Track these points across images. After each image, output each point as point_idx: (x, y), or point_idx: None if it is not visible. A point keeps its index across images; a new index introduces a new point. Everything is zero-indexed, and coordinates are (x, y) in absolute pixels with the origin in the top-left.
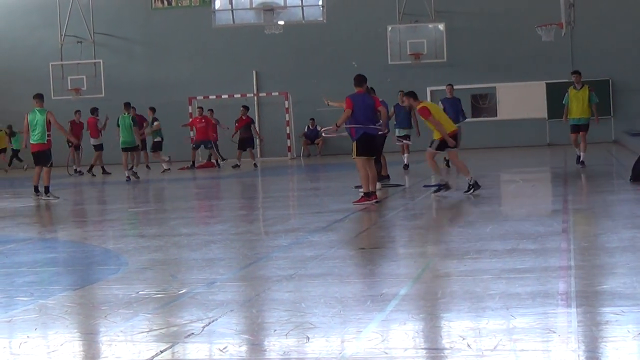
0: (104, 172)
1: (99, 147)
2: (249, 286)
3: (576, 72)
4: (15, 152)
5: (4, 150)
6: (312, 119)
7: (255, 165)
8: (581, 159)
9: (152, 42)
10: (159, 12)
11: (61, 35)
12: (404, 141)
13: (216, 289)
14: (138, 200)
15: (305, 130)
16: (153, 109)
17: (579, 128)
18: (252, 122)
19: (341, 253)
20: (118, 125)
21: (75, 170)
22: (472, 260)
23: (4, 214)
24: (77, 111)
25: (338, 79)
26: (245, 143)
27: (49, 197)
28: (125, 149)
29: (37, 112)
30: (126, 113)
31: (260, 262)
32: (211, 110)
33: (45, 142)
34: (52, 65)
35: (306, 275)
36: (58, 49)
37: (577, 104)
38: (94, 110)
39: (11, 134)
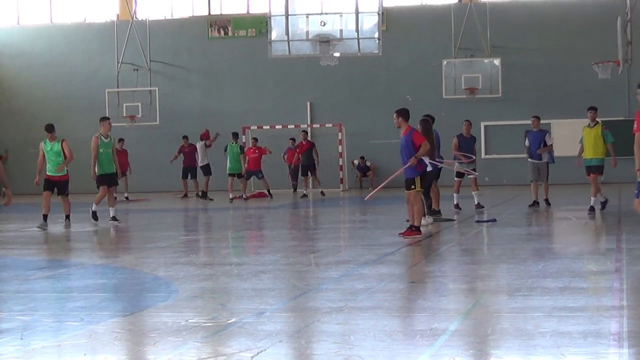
0: (204, 196)
1: (206, 171)
2: (298, 317)
3: (591, 109)
4: None
5: None
6: (362, 157)
7: (305, 195)
8: (591, 203)
9: (208, 71)
10: (215, 42)
11: (118, 62)
12: (473, 174)
13: (265, 319)
14: (189, 228)
15: (356, 164)
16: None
17: (590, 170)
18: (313, 145)
19: (391, 286)
20: (225, 151)
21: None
22: (523, 298)
23: (56, 239)
24: (121, 140)
25: (392, 112)
26: (308, 169)
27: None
28: (231, 175)
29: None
30: (234, 142)
31: (310, 294)
32: (255, 139)
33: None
34: (108, 92)
35: (356, 308)
36: (115, 75)
37: (589, 143)
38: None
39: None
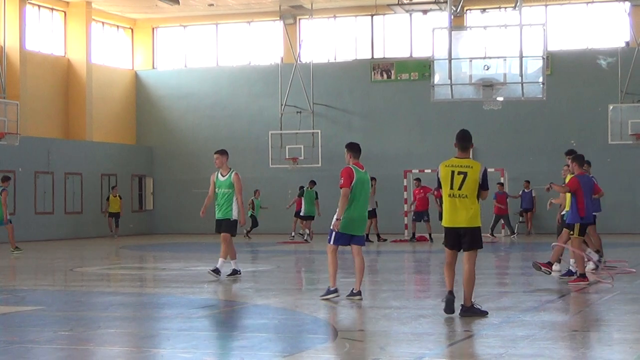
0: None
1: (372, 214)
2: None
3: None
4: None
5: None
6: (527, 182)
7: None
8: None
9: (369, 114)
10: (378, 85)
11: (281, 104)
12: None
13: None
14: (349, 270)
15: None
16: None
17: None
18: (507, 196)
19: (553, 334)
20: (300, 197)
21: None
22: None
23: (219, 279)
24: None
25: (555, 157)
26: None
27: None
28: (305, 217)
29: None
30: (310, 188)
31: (470, 339)
32: (418, 180)
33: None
34: (271, 133)
35: (516, 355)
36: (278, 118)
37: None
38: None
39: None
